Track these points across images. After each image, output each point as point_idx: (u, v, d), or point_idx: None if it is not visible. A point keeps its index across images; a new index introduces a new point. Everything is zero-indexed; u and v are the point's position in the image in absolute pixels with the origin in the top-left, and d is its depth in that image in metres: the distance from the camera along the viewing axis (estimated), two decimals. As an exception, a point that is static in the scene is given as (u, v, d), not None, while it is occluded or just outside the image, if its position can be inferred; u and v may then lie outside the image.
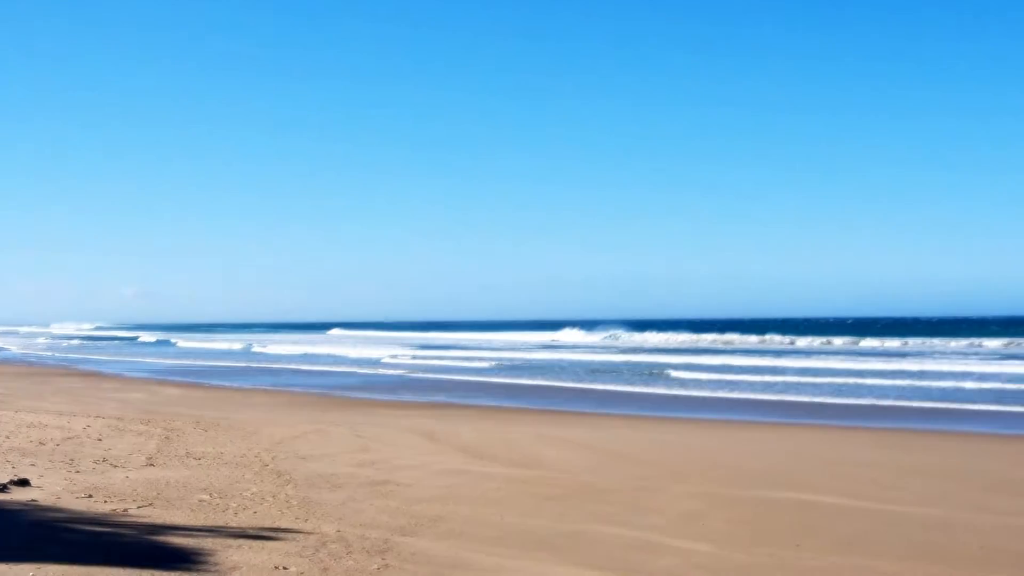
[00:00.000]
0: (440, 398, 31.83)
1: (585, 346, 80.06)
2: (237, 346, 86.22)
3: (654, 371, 44.20)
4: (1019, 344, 66.26)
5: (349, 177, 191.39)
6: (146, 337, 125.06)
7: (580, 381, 39.96)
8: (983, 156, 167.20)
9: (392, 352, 67.72)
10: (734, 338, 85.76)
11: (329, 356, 66.42)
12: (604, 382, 38.99)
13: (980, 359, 50.15)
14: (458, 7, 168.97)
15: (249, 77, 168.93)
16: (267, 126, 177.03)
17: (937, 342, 73.46)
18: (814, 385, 35.14)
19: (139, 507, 11.19)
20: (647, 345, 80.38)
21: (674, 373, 42.22)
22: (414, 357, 61.36)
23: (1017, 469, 15.76)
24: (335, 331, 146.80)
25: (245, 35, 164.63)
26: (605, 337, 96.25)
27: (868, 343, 73.93)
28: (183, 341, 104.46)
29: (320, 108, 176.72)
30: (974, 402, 27.87)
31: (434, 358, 59.90)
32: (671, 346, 77.98)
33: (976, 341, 70.61)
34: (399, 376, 44.47)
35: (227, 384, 39.32)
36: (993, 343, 68.43)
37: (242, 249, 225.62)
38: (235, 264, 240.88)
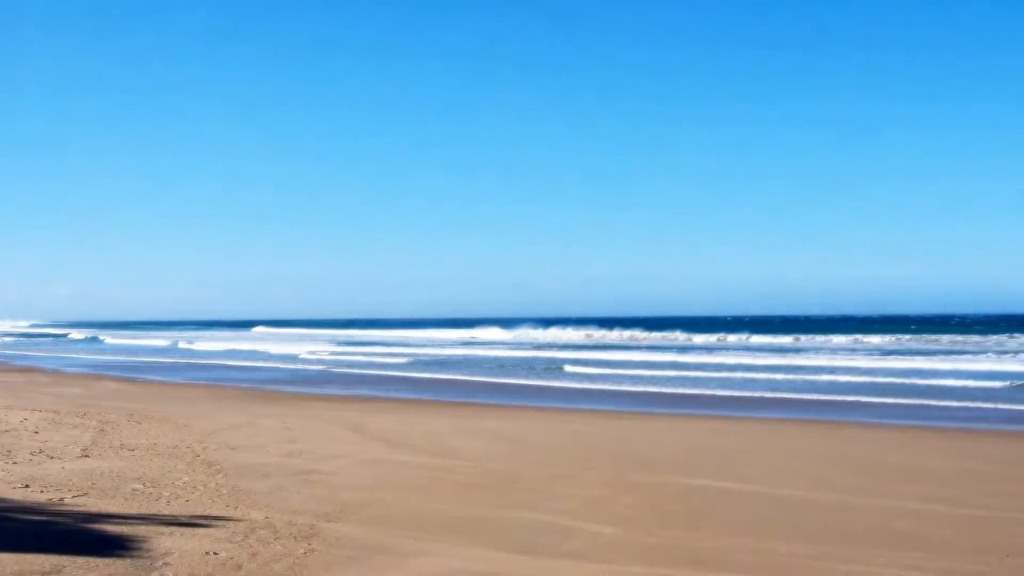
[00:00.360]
0: (364, 391, 31.67)
1: (499, 342, 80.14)
2: (165, 343, 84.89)
3: (552, 366, 44.87)
4: (899, 341, 68.19)
5: (271, 177, 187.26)
6: (76, 335, 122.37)
7: (489, 375, 40.21)
8: (867, 165, 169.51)
9: (311, 348, 67.30)
10: (637, 334, 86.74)
11: (253, 352, 65.55)
12: (511, 376, 39.28)
13: (862, 355, 51.30)
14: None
15: (190, 74, 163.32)
16: (196, 124, 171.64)
17: (820, 339, 74.98)
18: (709, 379, 35.64)
19: (75, 496, 11.03)
20: (558, 342, 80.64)
21: (569, 368, 42.75)
22: (332, 353, 60.79)
23: (893, 455, 16.12)
24: (258, 329, 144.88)
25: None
26: (518, 334, 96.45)
27: (761, 339, 75.28)
28: (111, 338, 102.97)
29: (248, 112, 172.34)
30: (854, 394, 28.51)
31: (352, 354, 59.48)
32: (576, 342, 78.97)
33: (859, 338, 72.48)
34: (324, 371, 44.12)
35: (160, 379, 38.68)
36: (874, 340, 70.36)
37: (170, 249, 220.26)
38: (163, 264, 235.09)
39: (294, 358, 56.44)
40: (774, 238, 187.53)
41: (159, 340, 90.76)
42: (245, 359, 56.15)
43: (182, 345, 79.82)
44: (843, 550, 9.44)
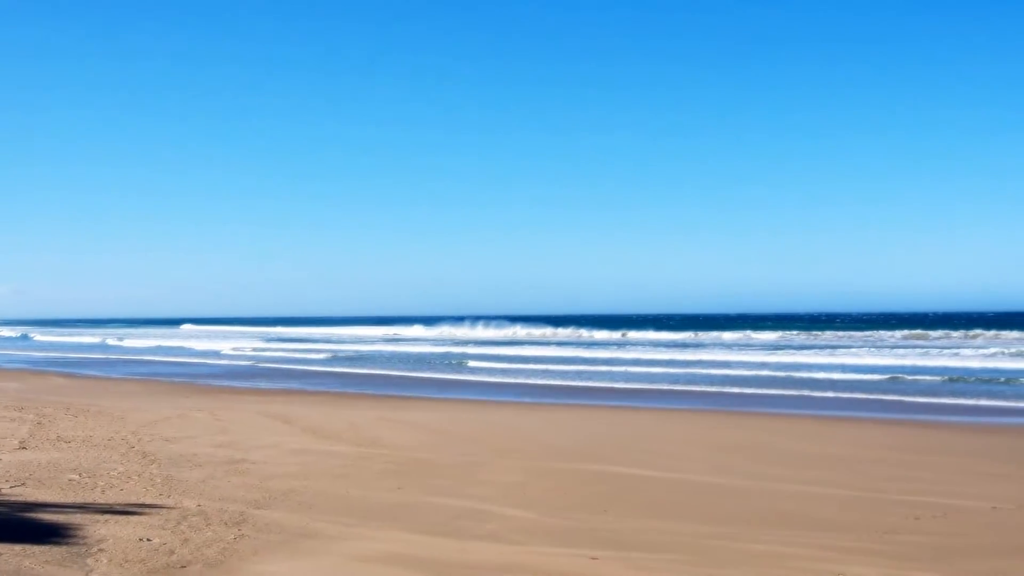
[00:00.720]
0: (292, 385, 31.37)
1: (420, 339, 79.95)
2: (95, 340, 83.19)
3: (455, 361, 45.30)
4: (785, 337, 69.63)
5: (197, 177, 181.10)
6: (7, 332, 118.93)
7: (404, 369, 40.22)
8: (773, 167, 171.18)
9: (236, 345, 66.57)
10: (548, 331, 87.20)
11: (181, 349, 64.48)
12: (420, 370, 39.31)
13: (754, 350, 52.28)
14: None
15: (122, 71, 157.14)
16: (125, 122, 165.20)
17: (715, 335, 76.30)
18: (613, 373, 35.99)
19: (12, 487, 10.79)
20: (472, 338, 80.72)
21: (471, 363, 43.14)
22: (255, 350, 60.03)
23: (783, 441, 16.47)
24: (187, 326, 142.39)
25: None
26: (439, 331, 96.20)
27: (661, 335, 76.41)
28: (42, 335, 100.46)
29: (181, 109, 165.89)
30: (747, 386, 29.07)
31: (275, 351, 58.88)
32: (488, 338, 79.39)
33: (750, 334, 73.96)
34: (252, 366, 43.55)
35: (96, 374, 37.86)
36: (764, 336, 71.80)
37: (98, 248, 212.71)
38: (92, 263, 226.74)
39: (219, 354, 55.68)
40: (678, 242, 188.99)
41: (89, 337, 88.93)
42: (174, 355, 55.20)
43: (111, 342, 78.29)
44: (738, 529, 9.64)
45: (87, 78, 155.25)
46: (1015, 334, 62.49)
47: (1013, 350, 45.42)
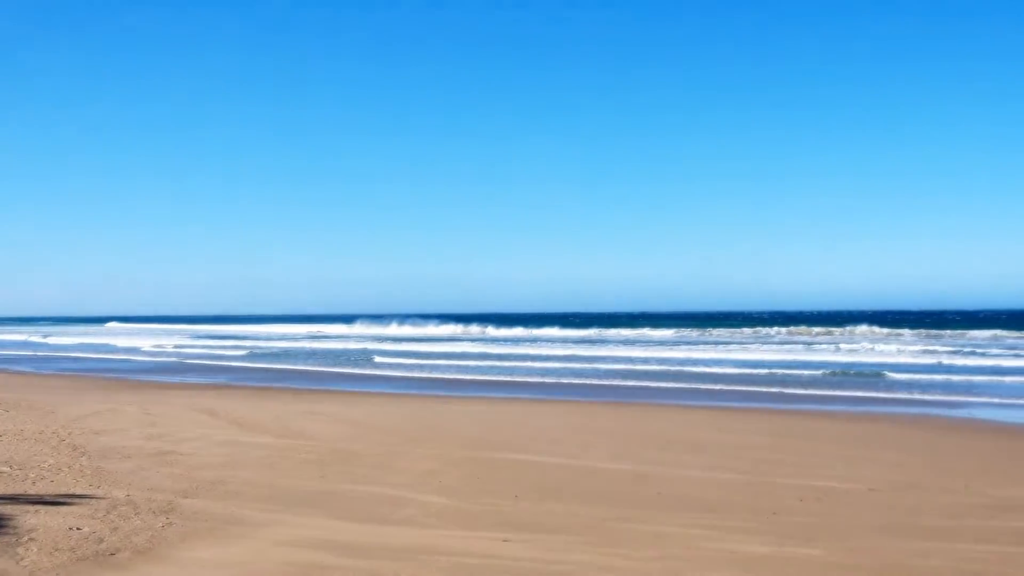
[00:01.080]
0: (220, 380, 30.84)
1: (340, 336, 79.01)
2: (20, 337, 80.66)
3: (364, 357, 45.10)
4: (682, 334, 70.91)
5: (122, 175, 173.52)
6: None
7: (314, 365, 40.02)
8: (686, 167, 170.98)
9: (159, 342, 65.31)
10: (458, 329, 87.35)
11: (107, 346, 62.80)
12: (336, 366, 39.13)
13: (652, 346, 53.10)
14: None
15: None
16: (45, 125, 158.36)
17: (614, 332, 77.35)
18: (520, 368, 36.18)
19: (-59, 480, 10.42)
20: (393, 335, 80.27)
21: (388, 359, 42.98)
22: (176, 346, 58.79)
23: (679, 431, 16.77)
24: (112, 324, 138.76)
25: None
26: (359, 329, 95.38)
27: (566, 332, 77.24)
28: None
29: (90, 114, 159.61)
30: (647, 379, 29.51)
31: (198, 347, 57.77)
32: (404, 335, 79.06)
33: (647, 331, 75.22)
34: (179, 362, 42.66)
35: (24, 369, 36.68)
36: (662, 333, 73.18)
37: (23, 246, 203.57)
38: (15, 260, 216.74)
39: (140, 351, 54.44)
40: (588, 244, 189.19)
41: (13, 335, 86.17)
42: (100, 352, 53.76)
43: (35, 339, 75.94)
44: (637, 512, 9.81)
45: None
46: (886, 331, 64.65)
47: (893, 347, 46.94)
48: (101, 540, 8.08)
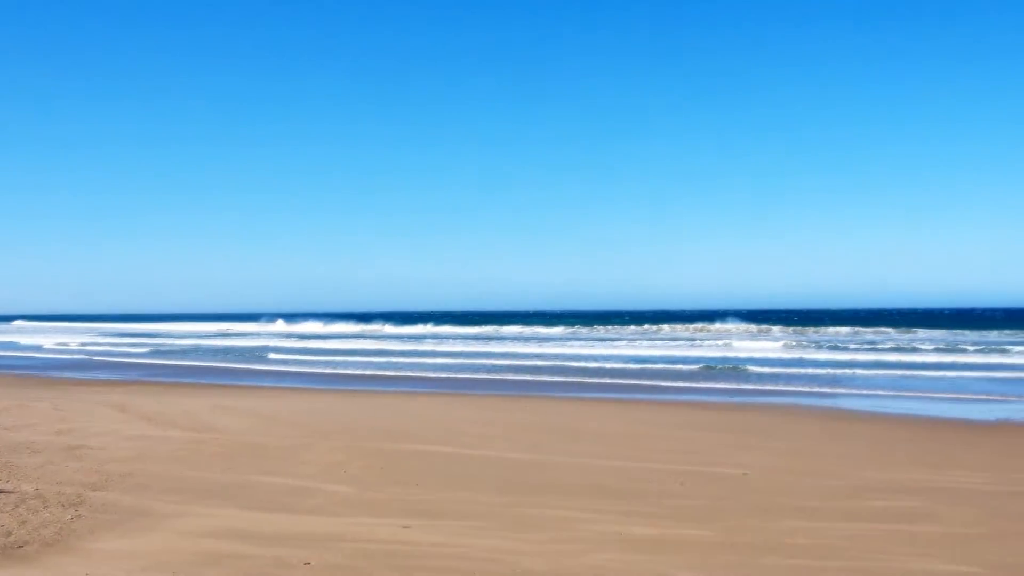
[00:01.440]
0: (131, 376, 29.82)
1: (249, 334, 77.37)
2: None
3: (259, 353, 44.60)
4: (573, 331, 71.70)
5: (31, 174, 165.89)
6: None
7: (222, 361, 39.38)
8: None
9: (62, 340, 63.06)
10: (366, 327, 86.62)
11: (10, 343, 60.21)
12: (244, 362, 38.53)
13: (544, 342, 53.48)
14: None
15: None
16: None
17: (511, 329, 77.70)
18: (421, 363, 36.00)
19: None
20: (299, 332, 79.06)
21: (272, 355, 42.59)
22: (81, 344, 56.75)
23: (585, 423, 16.82)
24: (19, 322, 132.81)
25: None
26: (269, 327, 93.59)
27: (468, 330, 77.16)
28: None
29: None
30: (540, 373, 29.73)
31: (103, 344, 55.98)
32: (309, 332, 78.17)
33: (539, 329, 75.70)
34: (87, 359, 41.13)
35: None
36: (554, 330, 73.77)
37: None
38: None
39: (42, 348, 52.46)
40: (486, 244, 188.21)
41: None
42: (7, 350, 51.49)
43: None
44: (533, 498, 9.83)
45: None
46: (756, 327, 66.61)
47: (760, 343, 48.38)
48: (9, 533, 7.70)
